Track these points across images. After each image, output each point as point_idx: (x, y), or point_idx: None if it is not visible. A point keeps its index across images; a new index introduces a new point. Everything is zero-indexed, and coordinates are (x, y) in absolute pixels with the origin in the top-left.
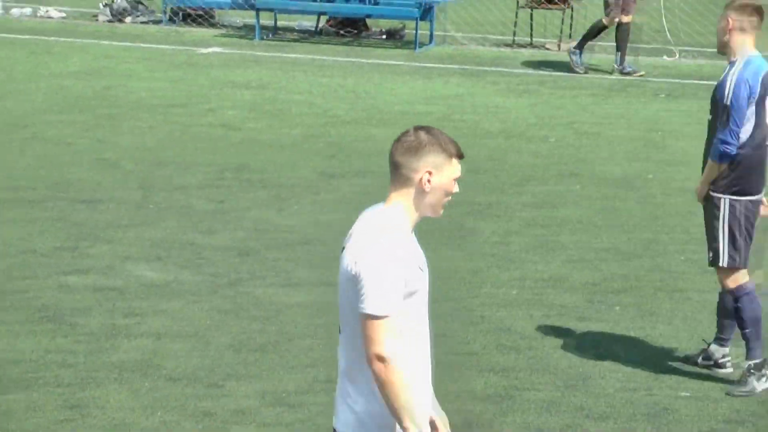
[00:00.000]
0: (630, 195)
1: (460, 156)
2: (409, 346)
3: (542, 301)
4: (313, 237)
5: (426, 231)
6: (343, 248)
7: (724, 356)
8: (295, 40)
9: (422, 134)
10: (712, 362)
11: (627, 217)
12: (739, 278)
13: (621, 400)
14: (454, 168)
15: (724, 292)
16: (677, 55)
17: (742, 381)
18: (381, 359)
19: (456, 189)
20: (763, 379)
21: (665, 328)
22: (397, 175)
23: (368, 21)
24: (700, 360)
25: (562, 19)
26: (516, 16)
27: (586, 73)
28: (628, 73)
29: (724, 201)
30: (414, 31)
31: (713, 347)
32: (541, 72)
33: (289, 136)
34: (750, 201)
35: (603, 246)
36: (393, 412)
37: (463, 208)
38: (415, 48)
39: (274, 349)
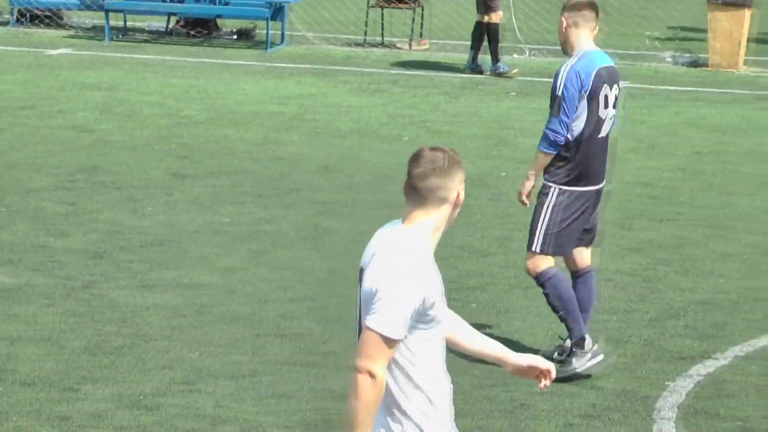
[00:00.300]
0: (483, 193)
1: None
2: (437, 364)
3: None
4: (166, 238)
5: (281, 231)
6: (362, 269)
7: None
8: (145, 41)
9: (440, 154)
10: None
11: (480, 215)
12: (541, 264)
13: (478, 397)
14: None
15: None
16: (527, 53)
17: (565, 362)
18: (372, 375)
19: None
20: (585, 357)
21: (521, 325)
22: (431, 197)
23: (219, 21)
24: (555, 356)
25: (413, 18)
26: (366, 16)
27: (516, 72)
28: (484, 72)
29: (553, 189)
30: (265, 31)
31: (569, 342)
32: (392, 71)
33: (140, 137)
34: (580, 192)
35: (458, 243)
36: (352, 424)
37: (317, 208)
38: (266, 48)
39: (129, 351)
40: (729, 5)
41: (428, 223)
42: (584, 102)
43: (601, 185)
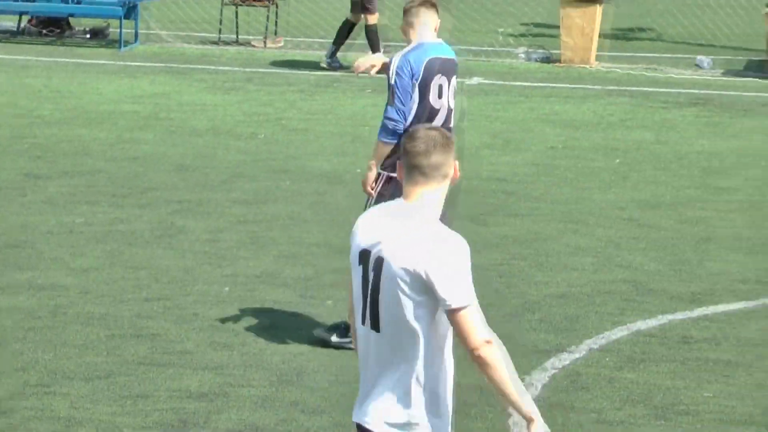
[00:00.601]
0: (339, 189)
1: None
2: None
3: (255, 298)
4: (20, 239)
5: (136, 231)
6: (367, 250)
7: None
8: None
9: (435, 132)
10: None
11: (337, 211)
12: None
13: (335, 394)
14: None
15: None
16: (382, 51)
17: (331, 329)
18: (488, 342)
19: None
20: (335, 334)
21: None
22: (434, 174)
23: (72, 20)
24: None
25: (267, 16)
26: (221, 14)
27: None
28: (340, 69)
29: (382, 177)
30: (118, 30)
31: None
32: (247, 69)
33: None
34: None
35: (314, 241)
36: (504, 391)
37: (172, 207)
38: (119, 47)
39: None
40: (581, 1)
41: (434, 199)
42: (416, 90)
43: None
